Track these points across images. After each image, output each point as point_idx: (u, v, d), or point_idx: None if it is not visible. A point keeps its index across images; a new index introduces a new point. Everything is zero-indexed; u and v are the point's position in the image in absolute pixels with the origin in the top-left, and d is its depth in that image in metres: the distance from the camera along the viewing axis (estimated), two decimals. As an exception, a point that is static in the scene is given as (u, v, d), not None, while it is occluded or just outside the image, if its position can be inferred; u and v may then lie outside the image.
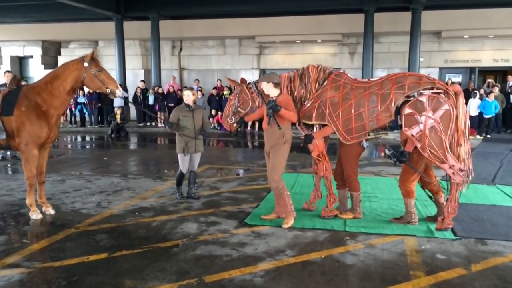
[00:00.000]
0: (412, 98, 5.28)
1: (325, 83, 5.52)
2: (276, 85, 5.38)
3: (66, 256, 4.49)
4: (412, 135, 5.13)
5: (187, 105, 6.57)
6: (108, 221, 5.65)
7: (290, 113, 5.25)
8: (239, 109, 5.73)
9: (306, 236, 5.10)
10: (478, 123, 15.33)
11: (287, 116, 5.25)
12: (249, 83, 5.80)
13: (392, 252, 4.62)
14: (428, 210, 6.01)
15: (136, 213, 6.00)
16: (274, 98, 5.29)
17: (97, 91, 6.25)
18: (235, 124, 5.77)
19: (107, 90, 5.68)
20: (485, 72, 19.51)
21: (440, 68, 19.09)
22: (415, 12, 15.89)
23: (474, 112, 15.31)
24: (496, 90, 15.54)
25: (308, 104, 5.53)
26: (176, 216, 5.87)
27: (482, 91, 16.03)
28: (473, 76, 18.97)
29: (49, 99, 5.58)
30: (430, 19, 16.50)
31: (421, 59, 17.02)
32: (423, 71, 17.33)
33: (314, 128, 5.62)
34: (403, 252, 4.62)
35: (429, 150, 5.05)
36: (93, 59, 5.65)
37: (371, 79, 5.69)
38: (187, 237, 5.04)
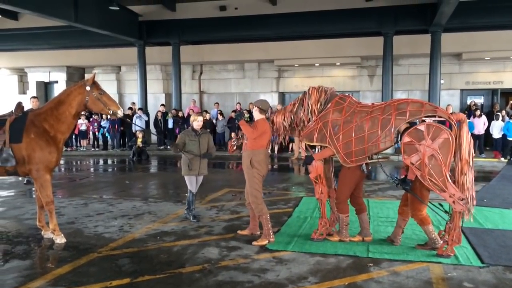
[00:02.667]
0: (415, 123, 5.25)
1: (328, 105, 5.59)
2: (261, 110, 5.82)
3: (89, 281, 4.52)
4: (411, 163, 5.09)
5: (194, 130, 6.79)
6: (130, 246, 5.68)
7: (246, 127, 5.69)
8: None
9: (328, 262, 5.04)
10: (502, 146, 15.03)
11: (243, 127, 5.72)
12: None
13: (417, 280, 4.52)
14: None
15: (158, 238, 6.02)
16: (243, 111, 5.78)
17: (100, 113, 6.54)
18: (234, 147, 6.29)
19: (110, 111, 5.94)
20: (507, 94, 19.22)
21: (462, 90, 18.88)
22: (434, 34, 15.80)
23: (497, 134, 15.05)
24: None
25: (311, 125, 5.59)
26: (197, 240, 5.88)
27: (504, 112, 15.78)
28: (495, 97, 18.71)
29: (56, 124, 5.76)
30: (450, 41, 16.38)
31: (442, 81, 16.85)
32: (444, 93, 17.23)
33: (316, 150, 5.70)
34: (429, 280, 4.52)
35: (429, 179, 5.00)
36: (94, 83, 5.89)
37: (375, 103, 5.70)
38: (208, 263, 5.03)
